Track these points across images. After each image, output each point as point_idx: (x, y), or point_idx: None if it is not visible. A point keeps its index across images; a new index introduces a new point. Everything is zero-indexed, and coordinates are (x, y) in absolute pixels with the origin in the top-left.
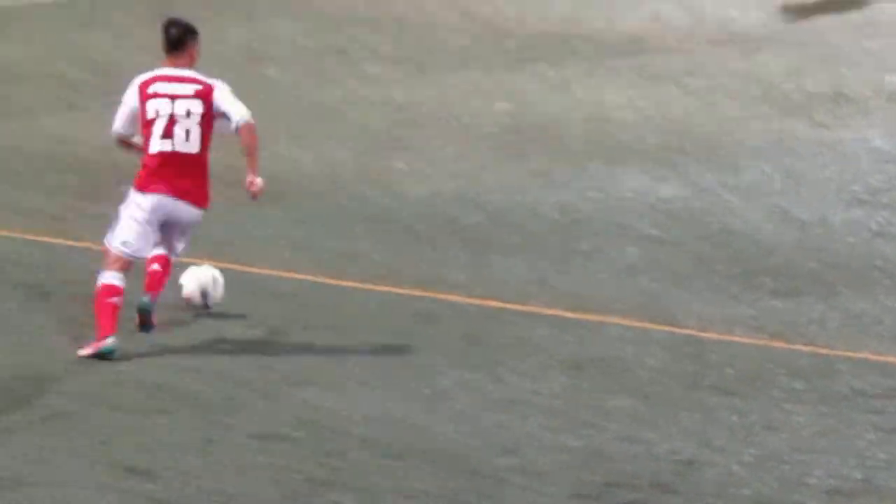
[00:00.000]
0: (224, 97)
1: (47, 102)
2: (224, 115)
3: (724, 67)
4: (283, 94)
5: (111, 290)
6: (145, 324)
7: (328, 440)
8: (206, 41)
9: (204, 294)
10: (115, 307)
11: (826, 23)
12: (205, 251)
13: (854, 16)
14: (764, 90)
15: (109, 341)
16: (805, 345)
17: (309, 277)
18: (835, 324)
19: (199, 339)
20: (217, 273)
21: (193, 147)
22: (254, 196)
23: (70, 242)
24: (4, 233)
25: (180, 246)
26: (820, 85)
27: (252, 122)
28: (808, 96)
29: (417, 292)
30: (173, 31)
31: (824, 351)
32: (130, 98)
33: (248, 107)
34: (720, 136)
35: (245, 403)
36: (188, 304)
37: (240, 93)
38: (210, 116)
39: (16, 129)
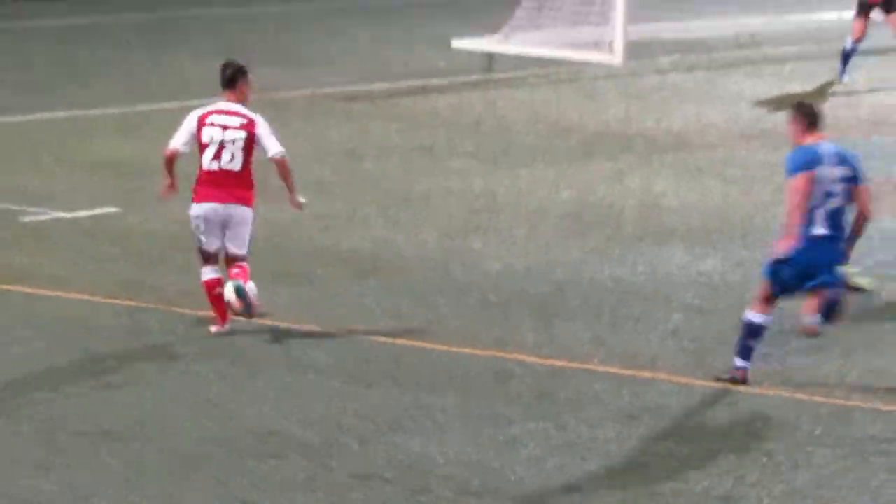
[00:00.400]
0: (263, 131)
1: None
2: (262, 146)
3: (755, 159)
4: (378, 185)
5: (213, 283)
6: (245, 304)
7: (416, 479)
8: (313, 139)
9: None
10: (221, 296)
11: (843, 120)
12: (310, 315)
13: (866, 114)
14: None
15: (227, 327)
16: (825, 396)
17: (399, 341)
18: (851, 378)
19: (304, 391)
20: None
21: (237, 166)
22: (298, 207)
23: (199, 312)
24: (141, 304)
25: (243, 240)
26: None
27: (286, 156)
28: None
29: (493, 353)
30: (228, 71)
31: (841, 401)
32: (190, 124)
33: (350, 196)
34: (753, 218)
35: (344, 447)
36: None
37: (340, 183)
38: (251, 144)
39: (149, 216)
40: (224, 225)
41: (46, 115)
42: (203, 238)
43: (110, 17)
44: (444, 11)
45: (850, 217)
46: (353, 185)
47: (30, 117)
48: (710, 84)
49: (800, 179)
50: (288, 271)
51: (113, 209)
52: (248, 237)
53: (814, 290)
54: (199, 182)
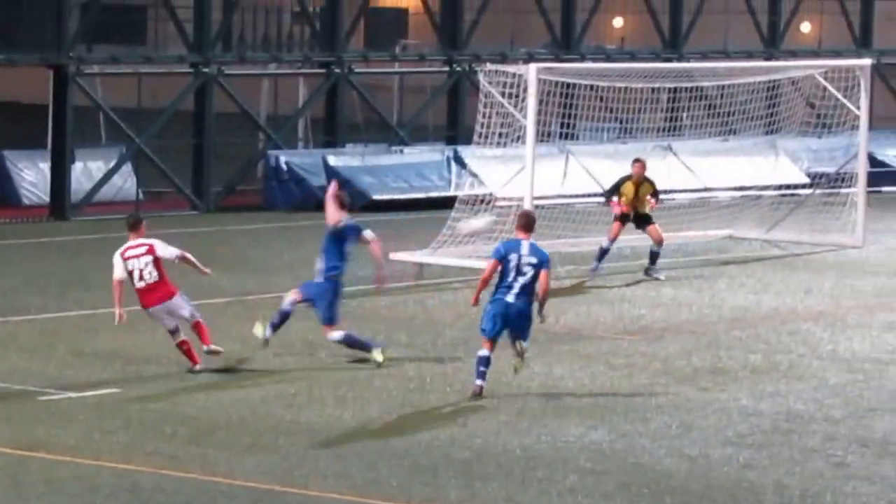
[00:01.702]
0: (160, 249)
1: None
2: (165, 257)
3: (636, 350)
4: (330, 370)
5: (182, 342)
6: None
7: None
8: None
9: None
10: (186, 346)
11: (709, 318)
12: (270, 477)
13: (727, 313)
14: (664, 366)
15: (198, 367)
16: None
17: (346, 497)
18: None
19: None
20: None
21: (155, 278)
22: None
23: (188, 474)
24: (138, 467)
25: (182, 314)
26: (703, 361)
27: (181, 253)
28: (694, 370)
29: None
30: (131, 219)
31: None
32: (118, 261)
33: (308, 379)
34: (634, 397)
35: None
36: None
37: (301, 369)
38: (157, 260)
39: (145, 394)
40: (169, 312)
41: (61, 314)
42: (164, 323)
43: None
44: (382, 230)
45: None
46: (311, 371)
47: (47, 315)
48: (598, 288)
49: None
50: (255, 443)
51: (115, 389)
52: (186, 310)
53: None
54: (139, 296)
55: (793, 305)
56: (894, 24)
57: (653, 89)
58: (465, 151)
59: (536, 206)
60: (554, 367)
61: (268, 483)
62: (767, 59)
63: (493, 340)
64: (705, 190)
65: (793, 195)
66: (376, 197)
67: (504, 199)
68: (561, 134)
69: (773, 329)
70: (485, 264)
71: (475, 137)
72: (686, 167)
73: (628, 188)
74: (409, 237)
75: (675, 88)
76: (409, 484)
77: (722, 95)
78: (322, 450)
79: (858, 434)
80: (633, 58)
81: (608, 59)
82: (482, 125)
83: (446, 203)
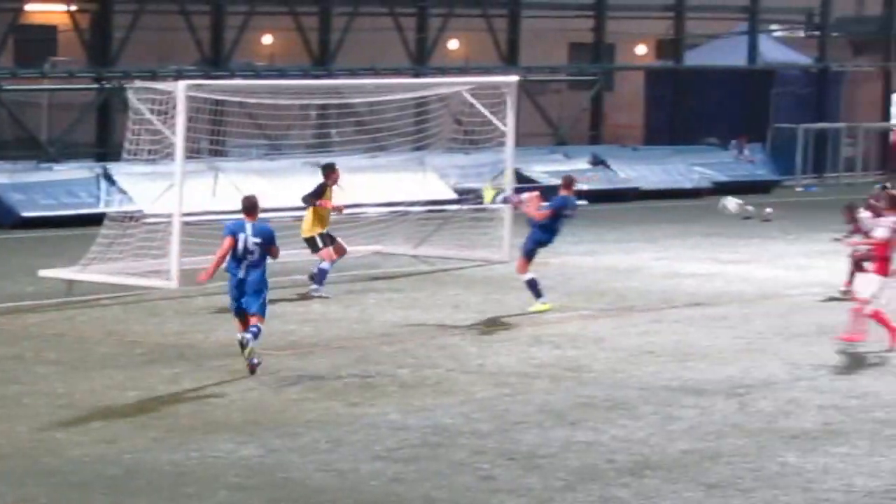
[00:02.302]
0: None
1: None
2: None
3: (285, 365)
4: None
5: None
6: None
7: None
8: None
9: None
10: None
11: (358, 334)
12: None
13: (376, 328)
14: (314, 381)
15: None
16: None
17: None
18: None
19: None
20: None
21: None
22: None
23: None
24: None
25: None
26: (352, 377)
27: None
28: (344, 385)
29: None
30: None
31: None
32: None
33: None
34: (284, 413)
35: None
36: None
37: None
38: None
39: None
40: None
41: None
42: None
43: None
44: (32, 247)
45: None
46: None
47: None
48: None
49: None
50: None
51: None
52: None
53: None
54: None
55: (441, 320)
56: (541, 42)
57: (302, 106)
58: (115, 168)
59: (185, 223)
60: (204, 384)
61: None
62: (416, 76)
63: (239, 317)
64: (354, 206)
65: (441, 211)
66: (25, 214)
67: (154, 215)
68: (210, 151)
69: (422, 344)
70: (133, 281)
71: (124, 154)
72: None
73: (329, 194)
74: (58, 254)
75: (325, 105)
76: (58, 501)
77: (371, 112)
78: None
79: (505, 447)
80: (282, 74)
81: (258, 75)
82: (132, 142)
83: (96, 220)
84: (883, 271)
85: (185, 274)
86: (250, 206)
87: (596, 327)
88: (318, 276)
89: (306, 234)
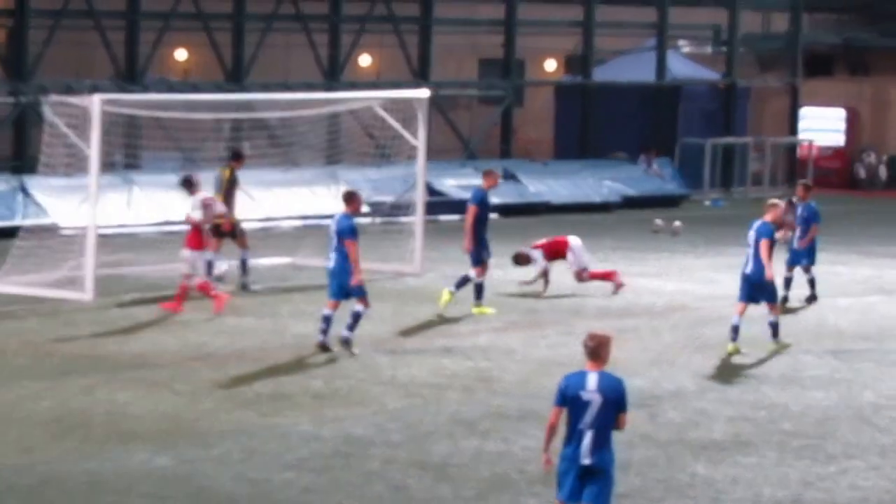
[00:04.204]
0: None
1: None
2: None
3: (200, 376)
4: None
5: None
6: None
7: None
8: None
9: None
10: None
11: (272, 345)
12: None
13: (290, 340)
14: (227, 392)
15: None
16: None
17: None
18: None
19: None
20: None
21: None
22: None
23: None
24: None
25: None
26: (265, 387)
27: None
28: (257, 395)
29: None
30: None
31: None
32: None
33: None
34: (198, 422)
35: None
36: None
37: None
38: None
39: None
40: None
41: None
42: None
43: None
44: None
45: None
46: None
47: None
48: (165, 315)
49: None
50: None
51: None
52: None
53: None
54: None
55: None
56: (452, 58)
57: (216, 120)
58: (31, 182)
59: (101, 235)
60: (118, 394)
61: None
62: (328, 90)
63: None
64: (267, 219)
65: None
66: None
67: (69, 228)
68: (125, 164)
69: (334, 355)
70: (48, 292)
71: (40, 168)
72: (249, 196)
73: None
74: None
75: (238, 119)
76: None
77: (284, 126)
78: None
79: (417, 458)
80: (196, 89)
81: (172, 90)
82: (48, 155)
83: (12, 233)
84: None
85: (100, 285)
86: (349, 197)
87: (506, 339)
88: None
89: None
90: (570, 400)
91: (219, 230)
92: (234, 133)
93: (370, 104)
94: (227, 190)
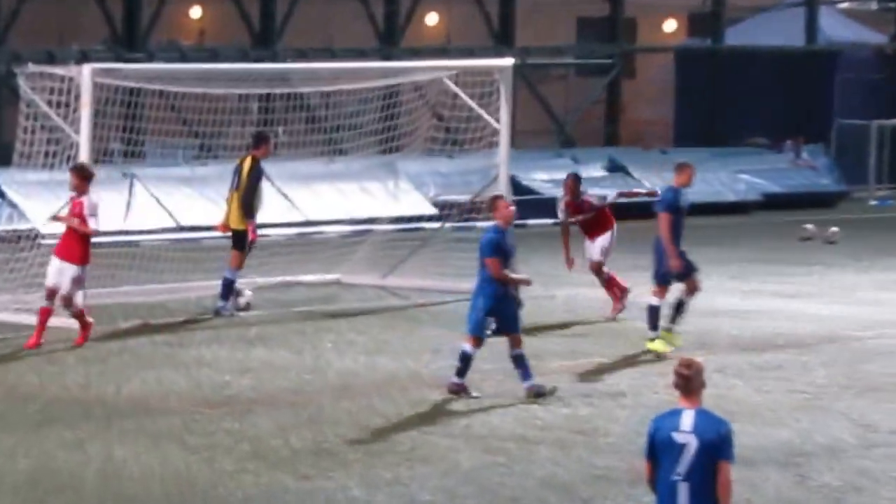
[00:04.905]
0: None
1: None
2: None
3: (219, 426)
4: None
5: None
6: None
7: None
8: None
9: None
10: None
11: (311, 386)
12: None
13: (334, 380)
14: (254, 446)
15: None
16: None
17: None
18: None
19: None
20: None
21: None
22: None
23: None
24: None
25: None
26: (304, 441)
27: None
28: (293, 452)
29: None
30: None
31: None
32: None
33: None
34: (216, 487)
35: None
36: None
37: None
38: None
39: None
40: None
41: None
42: None
43: None
44: None
45: None
46: None
47: None
48: (170, 347)
49: None
50: None
51: None
52: None
53: None
54: None
55: (416, 370)
56: (541, 18)
57: (240, 97)
58: (4, 176)
59: (93, 244)
60: (114, 449)
61: None
62: (384, 59)
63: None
64: (306, 224)
65: (416, 230)
66: None
67: (52, 235)
68: (124, 153)
69: (391, 400)
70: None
71: (15, 158)
72: (283, 196)
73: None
74: None
75: (268, 96)
76: None
77: (327, 105)
78: None
79: None
80: (214, 57)
81: (183, 58)
82: (24, 143)
83: None
84: None
85: (92, 309)
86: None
87: (614, 379)
88: (224, 290)
89: (238, 226)
90: (660, 445)
91: (244, 242)
92: (264, 115)
93: (438, 76)
94: (248, 186)
